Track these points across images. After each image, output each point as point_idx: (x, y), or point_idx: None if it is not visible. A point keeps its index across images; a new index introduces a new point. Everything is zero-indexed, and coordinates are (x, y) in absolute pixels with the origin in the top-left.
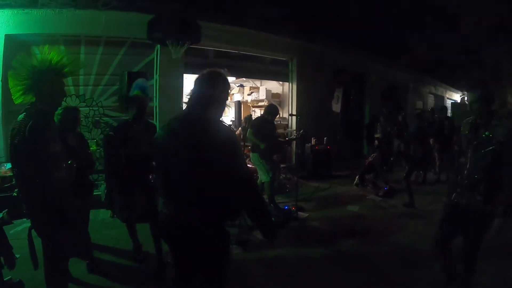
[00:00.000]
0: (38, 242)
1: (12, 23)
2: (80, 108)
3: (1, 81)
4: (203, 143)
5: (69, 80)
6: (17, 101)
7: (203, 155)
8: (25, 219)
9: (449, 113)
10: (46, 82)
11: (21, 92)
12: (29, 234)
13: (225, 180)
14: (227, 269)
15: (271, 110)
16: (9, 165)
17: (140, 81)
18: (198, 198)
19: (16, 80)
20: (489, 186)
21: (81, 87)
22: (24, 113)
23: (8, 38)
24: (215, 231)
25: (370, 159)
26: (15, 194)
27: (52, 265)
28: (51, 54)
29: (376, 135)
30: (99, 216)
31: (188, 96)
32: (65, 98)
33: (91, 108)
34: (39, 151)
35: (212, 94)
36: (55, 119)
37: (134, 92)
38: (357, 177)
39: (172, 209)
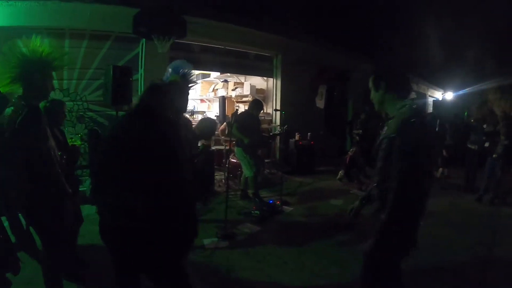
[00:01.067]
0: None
1: None
2: None
3: None
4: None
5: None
6: (4, 90)
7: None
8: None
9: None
10: (36, 73)
11: (8, 80)
12: (27, 229)
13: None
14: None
15: (256, 105)
16: None
17: (178, 62)
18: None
19: (5, 67)
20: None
21: (65, 81)
22: (12, 108)
23: None
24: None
25: (350, 153)
26: None
27: (51, 258)
28: (42, 46)
29: (356, 131)
30: (84, 212)
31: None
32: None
33: (75, 103)
34: (32, 146)
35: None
36: None
37: (170, 77)
38: (340, 172)
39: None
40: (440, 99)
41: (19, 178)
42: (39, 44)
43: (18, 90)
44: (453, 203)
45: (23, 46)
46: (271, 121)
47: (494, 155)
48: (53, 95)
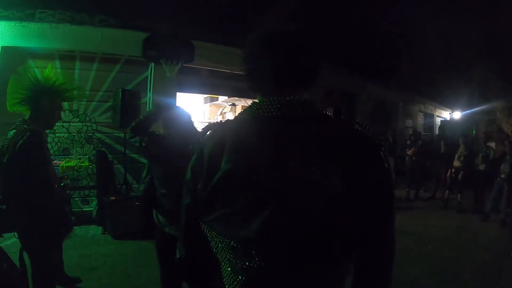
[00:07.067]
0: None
1: (9, 35)
2: (73, 124)
3: None
4: None
5: None
6: (11, 109)
7: None
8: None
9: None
10: (45, 100)
11: (17, 100)
12: (20, 255)
13: None
14: None
15: None
16: None
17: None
18: None
19: (17, 87)
20: None
21: (74, 102)
22: (14, 130)
23: (5, 50)
24: None
25: None
26: (3, 207)
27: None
28: (56, 76)
29: None
30: (90, 232)
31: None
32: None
33: (84, 124)
34: (30, 171)
35: None
36: None
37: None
38: None
39: None
40: (448, 118)
41: (16, 203)
42: (54, 73)
43: (26, 112)
44: (460, 225)
45: (38, 71)
46: None
47: (502, 175)
48: (63, 116)
